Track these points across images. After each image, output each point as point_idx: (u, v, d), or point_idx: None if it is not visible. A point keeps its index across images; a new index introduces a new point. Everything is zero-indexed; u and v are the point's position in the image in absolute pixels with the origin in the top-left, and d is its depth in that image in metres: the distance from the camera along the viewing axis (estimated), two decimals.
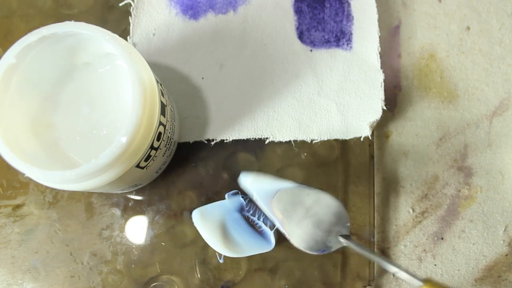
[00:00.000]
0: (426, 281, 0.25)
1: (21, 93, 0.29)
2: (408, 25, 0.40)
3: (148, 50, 0.37)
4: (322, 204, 0.29)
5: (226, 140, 0.36)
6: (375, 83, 0.37)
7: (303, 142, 0.37)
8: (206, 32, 0.38)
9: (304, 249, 0.29)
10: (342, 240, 0.29)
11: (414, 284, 0.25)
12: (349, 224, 0.29)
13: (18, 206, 0.36)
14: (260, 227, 0.34)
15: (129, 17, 0.38)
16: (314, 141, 0.36)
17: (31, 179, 0.28)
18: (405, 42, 0.40)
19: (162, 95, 0.30)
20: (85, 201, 0.36)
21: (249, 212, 0.34)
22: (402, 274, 0.26)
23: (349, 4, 0.38)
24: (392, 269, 0.27)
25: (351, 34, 0.38)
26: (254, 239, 0.33)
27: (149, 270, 0.35)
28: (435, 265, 0.37)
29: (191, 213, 0.34)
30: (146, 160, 0.29)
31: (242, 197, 0.35)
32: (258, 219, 0.34)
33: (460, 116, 0.39)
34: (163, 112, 0.29)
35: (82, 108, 0.32)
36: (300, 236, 0.29)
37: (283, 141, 0.36)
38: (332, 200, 0.29)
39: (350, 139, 0.37)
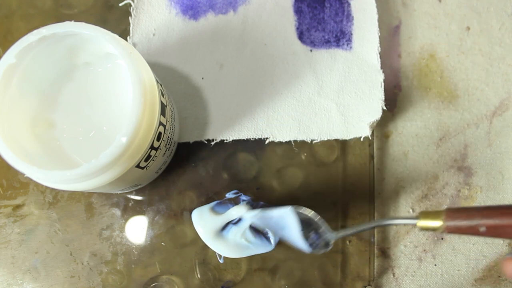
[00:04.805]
0: (420, 214, 0.26)
1: (21, 93, 0.29)
2: (408, 25, 0.40)
3: (148, 50, 0.37)
4: (284, 223, 0.30)
5: (226, 140, 0.36)
6: (375, 83, 0.37)
7: (303, 142, 0.37)
8: (206, 32, 0.38)
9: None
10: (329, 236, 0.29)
11: (411, 223, 0.26)
12: (316, 219, 0.30)
13: (18, 206, 0.36)
14: (264, 229, 0.33)
15: (129, 17, 0.38)
16: (314, 141, 0.36)
17: (31, 179, 0.28)
18: (405, 42, 0.40)
19: (162, 95, 0.30)
20: (85, 201, 0.36)
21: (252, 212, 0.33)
22: (397, 221, 0.27)
23: (349, 4, 0.38)
24: (386, 222, 0.28)
25: (351, 34, 0.38)
26: (254, 240, 0.33)
27: (149, 270, 0.35)
28: (435, 265, 0.37)
29: (191, 213, 0.34)
30: (146, 160, 0.29)
31: (244, 198, 0.35)
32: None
33: (460, 116, 0.39)
34: (163, 112, 0.29)
35: (82, 108, 0.32)
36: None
37: (283, 141, 0.36)
38: (290, 214, 0.30)
39: (350, 139, 0.37)
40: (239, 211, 0.32)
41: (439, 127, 0.38)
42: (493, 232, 0.23)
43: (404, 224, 0.27)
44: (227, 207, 0.34)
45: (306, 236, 0.29)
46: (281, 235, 0.31)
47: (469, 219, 0.24)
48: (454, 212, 0.25)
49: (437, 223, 0.25)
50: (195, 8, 0.38)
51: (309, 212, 0.29)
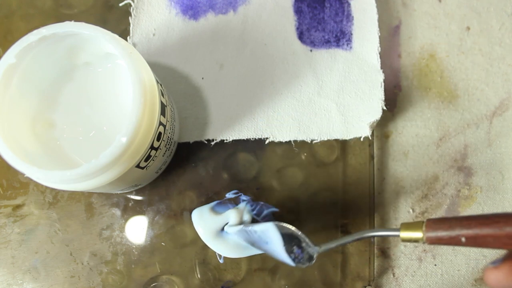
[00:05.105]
0: (402, 226, 0.26)
1: (22, 93, 0.29)
2: (408, 25, 0.40)
3: (148, 50, 0.37)
4: (267, 237, 0.30)
5: (226, 140, 0.36)
6: (375, 83, 0.37)
7: (303, 142, 0.37)
8: (206, 32, 0.38)
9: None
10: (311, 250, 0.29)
11: (394, 235, 0.26)
12: (299, 236, 0.30)
13: (18, 206, 0.36)
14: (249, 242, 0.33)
15: (129, 17, 0.38)
16: (314, 141, 0.36)
17: (31, 179, 0.28)
18: (405, 42, 0.40)
19: (162, 95, 0.30)
20: (85, 201, 0.36)
21: (253, 212, 0.33)
22: (379, 233, 0.27)
23: (349, 4, 0.38)
24: (369, 234, 0.28)
25: (351, 34, 0.38)
26: None
27: (149, 270, 0.35)
28: (435, 265, 0.37)
29: (191, 213, 0.34)
30: (146, 160, 0.29)
31: (244, 198, 0.35)
32: (261, 219, 0.34)
33: (460, 116, 0.39)
34: (163, 112, 0.29)
35: (82, 108, 0.32)
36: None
37: (283, 141, 0.36)
38: (273, 229, 0.29)
39: (350, 139, 0.37)
40: (231, 218, 0.32)
41: (439, 127, 0.38)
42: (473, 242, 0.23)
43: (387, 236, 0.27)
44: (227, 207, 0.34)
45: (289, 251, 0.29)
46: (265, 249, 0.31)
47: (449, 229, 0.24)
48: (434, 222, 0.24)
49: (418, 234, 0.25)
50: (195, 8, 0.38)
51: (291, 227, 0.30)
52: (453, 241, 0.24)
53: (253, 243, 0.31)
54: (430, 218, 0.25)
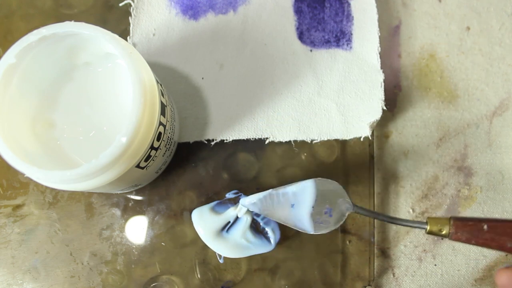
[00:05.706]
0: (428, 220, 0.28)
1: (22, 93, 0.29)
2: (408, 25, 0.40)
3: (148, 50, 0.37)
4: (297, 199, 0.30)
5: (226, 140, 0.36)
6: (375, 83, 0.37)
7: (303, 142, 0.37)
8: (206, 32, 0.38)
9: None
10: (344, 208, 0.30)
11: (421, 228, 0.29)
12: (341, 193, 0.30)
13: (18, 206, 0.36)
14: (263, 228, 0.34)
15: (129, 17, 0.38)
16: (314, 141, 0.36)
17: (31, 179, 0.28)
18: (405, 42, 0.40)
19: (162, 95, 0.30)
20: (85, 201, 0.36)
21: (253, 212, 0.34)
22: (407, 224, 0.29)
23: (349, 4, 0.38)
24: (396, 222, 0.30)
25: (351, 34, 0.38)
26: (254, 240, 0.33)
27: (149, 270, 0.35)
28: (435, 265, 0.37)
29: (191, 213, 0.34)
30: (146, 160, 0.29)
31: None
32: (261, 219, 0.34)
33: (460, 116, 0.39)
34: (163, 112, 0.29)
35: (82, 108, 0.32)
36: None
37: (283, 141, 0.36)
38: (311, 186, 0.30)
39: (350, 139, 0.37)
40: (237, 211, 0.32)
41: (439, 127, 0.38)
42: (494, 230, 0.26)
43: (412, 227, 0.29)
44: (227, 207, 0.34)
45: (316, 213, 0.30)
46: (284, 215, 0.30)
47: (474, 219, 0.27)
48: (459, 218, 0.28)
49: (444, 226, 0.28)
50: (195, 8, 0.38)
51: (334, 182, 0.30)
52: (477, 228, 0.27)
53: (271, 210, 0.30)
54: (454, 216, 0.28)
